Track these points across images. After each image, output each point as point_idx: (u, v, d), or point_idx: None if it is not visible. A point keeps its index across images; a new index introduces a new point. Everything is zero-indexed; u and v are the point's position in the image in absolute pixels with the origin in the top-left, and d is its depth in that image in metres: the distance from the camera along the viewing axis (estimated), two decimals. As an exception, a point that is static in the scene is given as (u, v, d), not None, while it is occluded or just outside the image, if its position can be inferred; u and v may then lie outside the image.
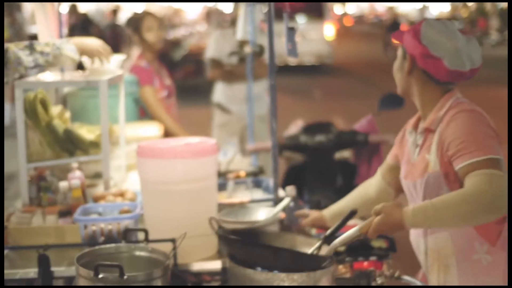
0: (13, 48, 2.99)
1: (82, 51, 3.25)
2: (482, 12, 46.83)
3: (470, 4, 51.20)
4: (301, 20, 21.94)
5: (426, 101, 2.74)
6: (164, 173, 2.65)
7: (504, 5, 45.72)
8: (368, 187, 3.07)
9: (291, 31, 2.80)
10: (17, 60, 2.98)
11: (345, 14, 66.77)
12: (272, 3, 3.10)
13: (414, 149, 2.78)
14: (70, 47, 3.18)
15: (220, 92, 6.76)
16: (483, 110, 2.65)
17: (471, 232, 2.64)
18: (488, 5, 46.46)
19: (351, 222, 2.64)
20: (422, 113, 2.77)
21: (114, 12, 21.54)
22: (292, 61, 21.41)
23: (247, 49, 5.08)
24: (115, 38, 21.13)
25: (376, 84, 20.21)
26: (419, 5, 58.43)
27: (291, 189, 3.26)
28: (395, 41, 2.84)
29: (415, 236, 2.83)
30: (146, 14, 5.22)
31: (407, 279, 2.70)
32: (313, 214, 3.04)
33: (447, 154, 2.56)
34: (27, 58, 3.01)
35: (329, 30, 22.63)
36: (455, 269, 2.69)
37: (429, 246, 2.73)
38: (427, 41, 2.65)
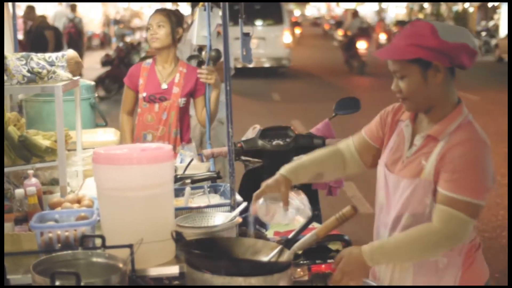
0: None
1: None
2: (437, 15, 47.45)
3: (426, 6, 51.83)
4: (259, 22, 22.05)
5: (443, 106, 2.71)
6: (120, 180, 2.64)
7: (459, 7, 46.38)
8: (340, 151, 3.03)
9: (246, 37, 2.81)
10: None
11: (303, 17, 67.23)
12: (227, 8, 3.11)
13: (409, 145, 2.78)
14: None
15: (179, 96, 6.74)
16: (487, 138, 2.71)
17: None
18: (443, 9, 47.10)
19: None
20: (430, 117, 2.74)
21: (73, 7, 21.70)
22: (253, 63, 21.45)
23: (204, 54, 5.07)
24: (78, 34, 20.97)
25: (333, 86, 20.41)
26: (376, 7, 58.95)
27: None
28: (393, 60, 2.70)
29: (380, 223, 2.89)
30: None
31: (364, 280, 2.74)
32: (272, 180, 2.87)
33: (442, 170, 2.62)
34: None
35: (287, 34, 22.75)
36: (411, 268, 2.76)
37: None
38: (446, 35, 2.62)
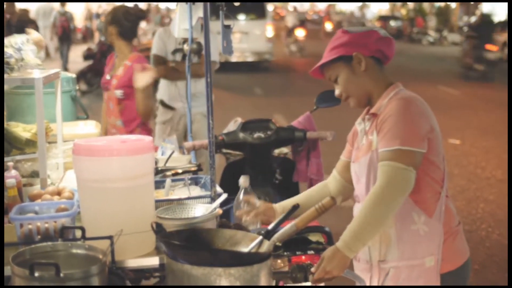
0: None
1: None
2: (420, 12, 47.61)
3: (408, 2, 51.94)
4: (242, 17, 22.09)
5: (377, 90, 2.99)
6: (100, 171, 2.64)
7: (442, 4, 46.51)
8: (327, 184, 3.28)
9: (227, 29, 2.82)
10: None
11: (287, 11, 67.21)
12: (208, 2, 3.11)
13: (363, 135, 3.01)
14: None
15: (163, 89, 6.75)
16: (424, 101, 2.91)
17: (410, 203, 2.86)
18: (426, 5, 47.28)
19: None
20: (372, 104, 3.00)
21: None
22: (233, 57, 21.55)
23: (185, 47, 5.08)
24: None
25: (315, 80, 20.40)
26: (358, 3, 59.04)
27: (245, 180, 3.27)
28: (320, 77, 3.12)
29: (358, 206, 3.06)
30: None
31: (348, 271, 2.76)
32: (263, 205, 3.16)
33: (379, 134, 2.84)
34: None
35: (269, 29, 22.81)
36: (395, 238, 2.91)
37: None
38: (354, 30, 3.01)
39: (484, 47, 20.41)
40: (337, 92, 3.05)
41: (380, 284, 2.96)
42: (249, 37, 22.22)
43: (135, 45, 5.61)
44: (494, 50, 20.85)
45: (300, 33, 29.53)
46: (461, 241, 3.01)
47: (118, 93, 5.33)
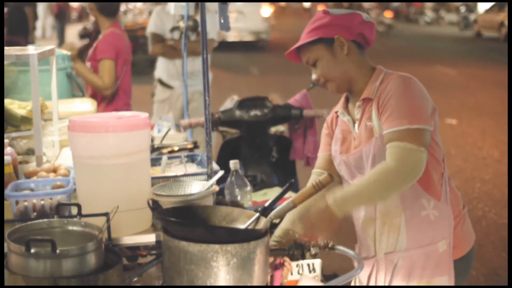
0: None
1: None
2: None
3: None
4: None
5: (361, 76, 2.86)
6: (96, 148, 2.62)
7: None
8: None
9: (224, 5, 2.79)
10: None
11: None
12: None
13: (353, 124, 2.88)
14: None
15: (161, 67, 6.74)
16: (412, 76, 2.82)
17: (418, 189, 2.78)
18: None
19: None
20: (355, 90, 2.88)
21: None
22: (230, 37, 21.62)
23: (181, 24, 5.06)
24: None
25: None
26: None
27: (235, 163, 3.26)
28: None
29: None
30: None
31: (341, 248, 2.74)
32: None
33: (381, 116, 2.72)
34: None
35: (266, 8, 22.90)
36: (404, 227, 2.82)
37: (378, 209, 2.85)
38: (336, 12, 2.86)
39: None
40: (314, 76, 2.92)
41: (389, 277, 2.87)
42: (245, 17, 22.22)
43: (116, 22, 5.65)
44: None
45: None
46: (469, 225, 2.96)
47: (88, 65, 5.48)
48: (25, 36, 13.28)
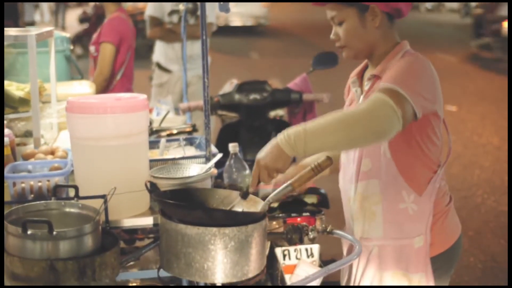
0: None
1: None
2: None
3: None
4: None
5: (383, 49, 2.73)
6: (94, 129, 2.60)
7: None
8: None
9: (223, -13, 2.77)
10: None
11: None
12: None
13: (359, 95, 2.79)
14: None
15: (159, 51, 6.71)
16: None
17: (400, 180, 2.69)
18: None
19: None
20: (375, 62, 2.76)
21: None
22: (230, 21, 21.74)
23: (181, 7, 5.04)
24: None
25: (309, 43, 20.51)
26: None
27: (234, 146, 3.25)
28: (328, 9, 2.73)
29: (346, 181, 2.85)
30: None
31: (339, 233, 2.73)
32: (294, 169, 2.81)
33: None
34: None
35: None
36: (380, 216, 2.75)
37: (358, 192, 2.77)
38: None
39: None
40: (333, 35, 2.76)
41: (364, 263, 2.81)
42: (244, 2, 22.29)
43: (121, 6, 5.61)
44: None
45: None
46: (452, 220, 2.84)
47: (92, 49, 5.44)
48: (14, 20, 13.21)
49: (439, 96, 2.65)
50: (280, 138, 2.41)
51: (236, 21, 23.01)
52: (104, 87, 5.35)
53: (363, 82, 2.83)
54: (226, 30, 21.01)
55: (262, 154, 2.46)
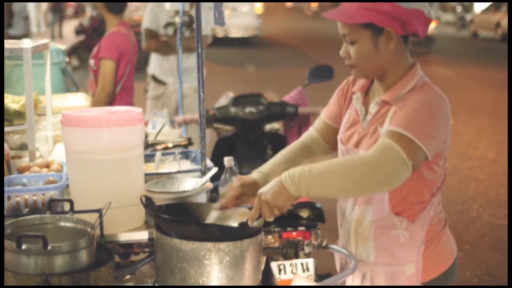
0: None
1: None
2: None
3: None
4: None
5: (395, 72, 2.61)
6: (89, 143, 2.59)
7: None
8: (307, 146, 2.89)
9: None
10: None
11: None
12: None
13: (364, 116, 2.68)
14: None
15: (154, 63, 6.71)
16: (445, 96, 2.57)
17: (390, 211, 2.61)
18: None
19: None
20: (385, 85, 2.64)
21: None
22: (225, 32, 22.11)
23: (177, 20, 5.04)
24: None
25: (302, 53, 20.68)
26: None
27: (229, 160, 3.24)
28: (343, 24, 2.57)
29: (345, 203, 2.78)
30: None
31: (335, 248, 2.72)
32: (240, 182, 2.64)
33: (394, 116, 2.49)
34: None
35: (259, 5, 24.30)
36: (372, 241, 2.67)
37: (354, 215, 2.71)
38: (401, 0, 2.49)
39: None
40: (342, 53, 2.61)
41: (359, 280, 2.73)
42: (239, 14, 22.90)
43: (123, 20, 5.59)
44: None
45: None
46: (446, 244, 2.75)
47: (91, 62, 5.42)
48: None
49: (450, 129, 2.57)
50: (284, 175, 2.36)
51: (231, 33, 23.30)
52: (108, 102, 5.34)
53: (368, 100, 2.71)
54: (222, 41, 21.16)
55: (265, 189, 2.39)
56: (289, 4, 58.33)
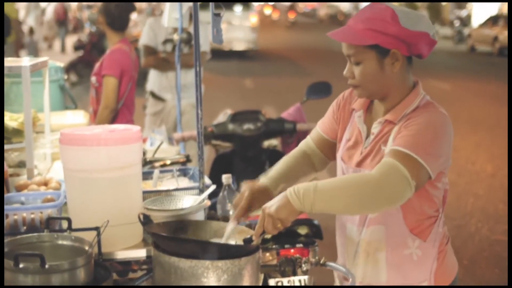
0: None
1: None
2: (412, 6, 47.66)
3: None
4: (238, 9, 23.77)
5: (398, 92, 2.62)
6: (87, 161, 2.60)
7: (433, -3, 46.60)
8: (307, 156, 2.91)
9: (217, 17, 2.78)
10: None
11: (275, 6, 68.69)
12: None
13: (365, 135, 2.69)
14: None
15: (153, 80, 6.73)
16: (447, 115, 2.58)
17: (405, 229, 2.63)
18: (417, -2, 47.41)
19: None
20: (388, 104, 2.65)
21: None
22: (224, 46, 22.92)
23: (175, 36, 5.06)
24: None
25: (294, 63, 20.96)
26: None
27: (227, 178, 3.25)
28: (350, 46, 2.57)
29: (349, 223, 2.77)
30: None
31: (333, 265, 2.72)
32: (251, 186, 2.66)
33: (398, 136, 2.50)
34: None
35: (254, 19, 25.26)
36: (384, 262, 2.68)
37: (362, 237, 2.71)
38: (406, 22, 2.51)
39: None
40: (346, 72, 2.62)
41: None
42: (235, 27, 23.90)
43: (125, 37, 5.61)
44: None
45: None
46: (451, 258, 2.78)
47: (93, 79, 5.44)
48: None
49: (451, 147, 2.58)
50: (289, 190, 2.37)
51: (227, 46, 24.00)
52: (111, 119, 5.35)
53: (370, 119, 2.72)
54: (219, 54, 21.46)
55: (270, 203, 2.40)
56: (275, 16, 61.50)
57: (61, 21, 26.22)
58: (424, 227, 2.65)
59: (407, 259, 2.66)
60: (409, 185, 2.36)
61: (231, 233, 2.54)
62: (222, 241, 2.52)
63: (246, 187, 2.65)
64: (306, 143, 2.94)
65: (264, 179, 2.72)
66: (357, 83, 2.60)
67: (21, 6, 22.69)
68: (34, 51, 19.44)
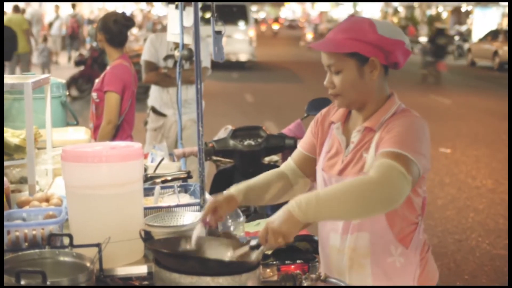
0: None
1: None
2: (412, 20, 47.85)
3: (400, 10, 52.15)
4: (227, 22, 24.90)
5: (375, 101, 2.72)
6: (89, 178, 2.62)
7: (433, 12, 46.77)
8: (285, 176, 2.97)
9: (218, 35, 2.81)
10: None
11: (276, 19, 69.39)
12: (198, 7, 3.10)
13: (345, 144, 2.76)
14: None
15: (154, 95, 6.75)
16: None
17: (389, 236, 2.69)
18: (417, 13, 47.58)
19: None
20: (365, 113, 2.73)
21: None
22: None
23: (176, 52, 5.09)
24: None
25: (289, 71, 21.44)
26: (350, 11, 59.43)
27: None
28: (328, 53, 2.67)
29: (331, 231, 2.81)
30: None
31: (333, 280, 2.73)
32: (219, 200, 2.74)
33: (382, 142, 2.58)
34: None
35: (252, 33, 26.82)
36: (369, 269, 2.73)
37: (347, 245, 2.75)
38: (383, 30, 2.63)
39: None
40: (327, 83, 2.71)
41: None
42: (234, 40, 25.14)
43: (125, 52, 5.64)
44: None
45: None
46: (432, 266, 2.84)
47: (94, 95, 5.47)
48: None
49: (430, 151, 2.66)
50: (291, 204, 2.40)
51: (226, 59, 24.92)
52: (113, 134, 5.38)
53: (347, 130, 2.80)
54: (219, 66, 21.97)
55: (273, 218, 2.43)
56: (263, 27, 65.67)
57: (75, 35, 27.48)
58: (406, 233, 2.70)
59: (391, 266, 2.71)
60: (407, 181, 2.42)
61: (198, 237, 2.59)
62: (192, 244, 2.57)
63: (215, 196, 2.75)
64: (286, 163, 3.02)
65: (233, 188, 2.82)
66: (338, 91, 2.69)
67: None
68: (47, 59, 20.46)
